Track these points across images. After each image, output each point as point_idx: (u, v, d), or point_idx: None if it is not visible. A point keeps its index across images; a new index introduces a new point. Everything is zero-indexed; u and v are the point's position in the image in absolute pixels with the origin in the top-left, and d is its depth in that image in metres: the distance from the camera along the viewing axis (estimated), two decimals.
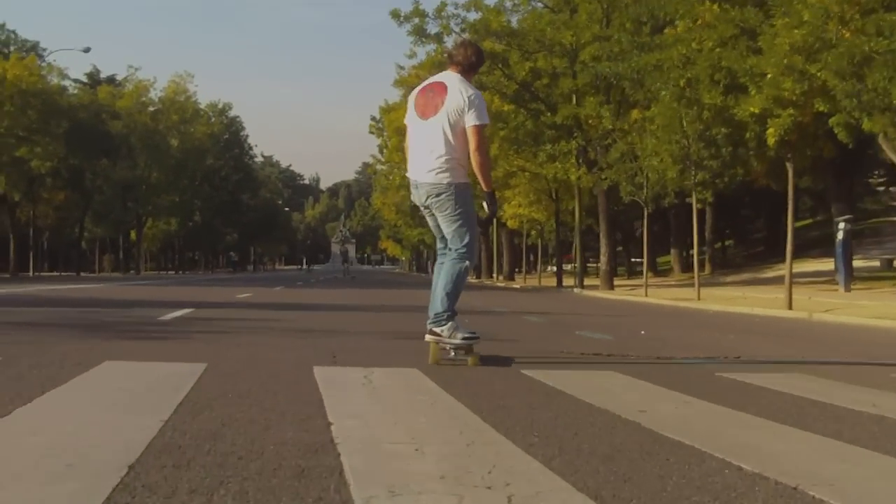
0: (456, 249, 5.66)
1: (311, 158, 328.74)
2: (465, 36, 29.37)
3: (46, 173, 48.25)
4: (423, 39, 31.88)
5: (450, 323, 5.58)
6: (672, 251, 45.19)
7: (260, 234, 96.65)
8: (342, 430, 3.21)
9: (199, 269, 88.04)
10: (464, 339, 5.59)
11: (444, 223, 5.70)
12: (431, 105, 5.64)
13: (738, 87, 17.46)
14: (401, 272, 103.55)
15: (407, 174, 5.93)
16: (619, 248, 48.67)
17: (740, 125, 17.87)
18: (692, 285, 21.17)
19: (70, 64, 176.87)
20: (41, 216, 55.72)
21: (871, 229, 38.50)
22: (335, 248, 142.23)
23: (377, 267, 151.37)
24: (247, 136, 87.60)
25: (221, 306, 13.61)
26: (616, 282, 32.27)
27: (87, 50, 50.49)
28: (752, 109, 16.45)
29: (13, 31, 55.26)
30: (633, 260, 51.05)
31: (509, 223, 44.08)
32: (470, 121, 5.52)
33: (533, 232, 46.07)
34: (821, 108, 15.65)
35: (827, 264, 27.28)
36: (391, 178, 60.51)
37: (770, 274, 31.67)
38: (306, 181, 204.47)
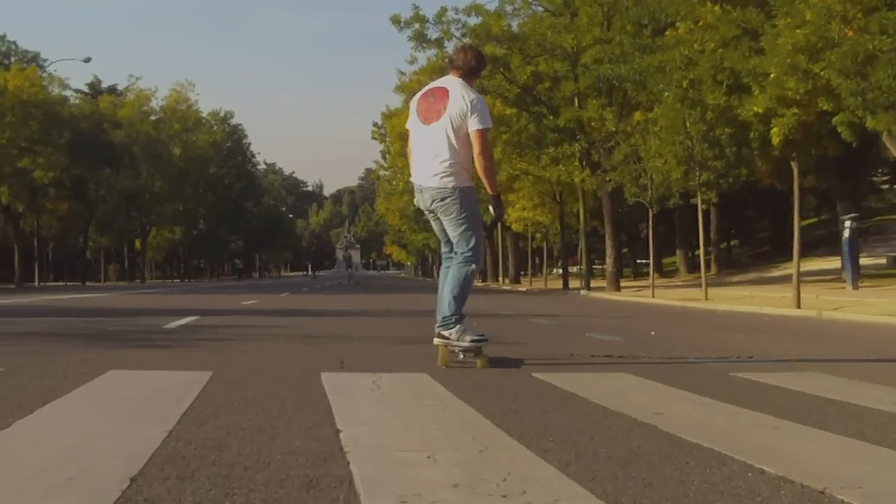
0: (462, 253, 5.67)
1: (314, 165, 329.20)
2: (466, 41, 29.31)
3: (49, 184, 48.36)
4: (424, 45, 31.81)
5: (458, 326, 5.59)
6: (677, 252, 45.07)
7: (264, 242, 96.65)
8: (351, 437, 3.12)
9: (205, 276, 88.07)
10: (472, 341, 5.57)
11: (450, 227, 5.70)
12: (434, 110, 5.63)
13: (742, 88, 17.38)
14: (406, 277, 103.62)
15: (411, 179, 5.92)
16: (625, 250, 48.54)
17: (744, 125, 17.78)
18: (699, 286, 21.08)
19: (71, 74, 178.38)
20: (45, 226, 55.80)
21: (876, 227, 38.32)
22: (339, 254, 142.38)
23: (382, 272, 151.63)
24: (249, 143, 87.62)
25: (227, 314, 13.54)
26: (622, 283, 32.19)
27: (87, 60, 50.54)
28: (755, 109, 16.35)
29: (14, 42, 55.52)
30: (638, 261, 50.93)
31: (514, 226, 44.03)
32: (473, 125, 5.52)
33: (538, 235, 46.04)
34: (825, 107, 15.57)
35: (833, 263, 27.15)
36: (394, 183, 60.55)
37: (776, 273, 31.53)
38: (310, 188, 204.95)
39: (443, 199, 5.61)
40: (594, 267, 39.83)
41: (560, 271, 40.68)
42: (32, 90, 44.41)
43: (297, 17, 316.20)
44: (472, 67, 5.80)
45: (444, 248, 5.92)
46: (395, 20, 31.23)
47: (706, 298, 19.49)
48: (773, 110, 15.95)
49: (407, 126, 5.96)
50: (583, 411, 3.88)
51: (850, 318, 13.25)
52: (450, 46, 30.24)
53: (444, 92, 5.66)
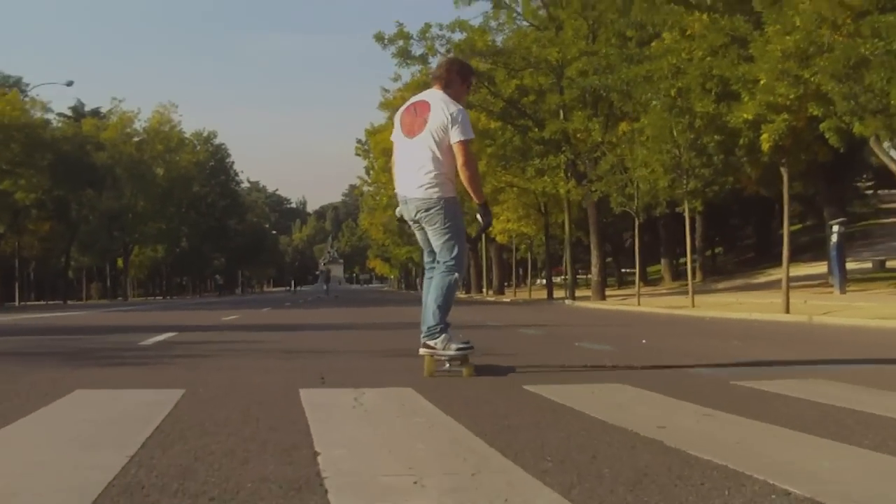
0: (444, 262, 5.68)
1: (298, 183, 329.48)
2: (451, 55, 29.17)
3: (31, 205, 48.14)
4: (408, 61, 31.76)
5: (443, 335, 5.59)
6: (662, 260, 45.01)
7: (247, 258, 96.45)
8: (330, 461, 2.84)
9: (187, 293, 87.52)
10: (458, 349, 5.57)
11: (434, 236, 5.71)
12: (417, 123, 5.68)
13: (730, 95, 17.26)
14: (389, 290, 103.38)
15: (395, 191, 5.92)
16: (609, 259, 48.43)
17: (733, 132, 17.67)
18: (684, 293, 20.90)
19: (54, 98, 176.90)
20: (26, 247, 55.36)
21: (861, 232, 38.41)
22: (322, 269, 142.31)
23: (365, 286, 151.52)
24: (232, 162, 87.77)
25: (206, 329, 13.20)
26: (607, 292, 32.03)
27: (70, 84, 50.06)
28: (745, 116, 16.23)
29: None
30: (623, 270, 50.85)
31: (498, 238, 43.89)
32: (455, 136, 5.55)
33: (522, 246, 45.87)
34: (815, 112, 15.46)
35: (818, 268, 27.08)
36: (378, 198, 60.35)
37: (762, 279, 31.42)
38: (293, 205, 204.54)
39: (427, 210, 5.63)
40: (578, 277, 39.67)
41: (544, 282, 40.49)
42: (14, 114, 44.39)
43: (279, 37, 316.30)
44: (455, 79, 5.81)
45: (426, 259, 5.92)
46: (379, 37, 31.17)
47: (693, 305, 19.30)
48: (763, 116, 15.84)
49: (391, 139, 6.00)
50: (581, 426, 3.61)
51: (840, 323, 13.11)
52: (434, 62, 30.12)
53: (425, 105, 5.70)
